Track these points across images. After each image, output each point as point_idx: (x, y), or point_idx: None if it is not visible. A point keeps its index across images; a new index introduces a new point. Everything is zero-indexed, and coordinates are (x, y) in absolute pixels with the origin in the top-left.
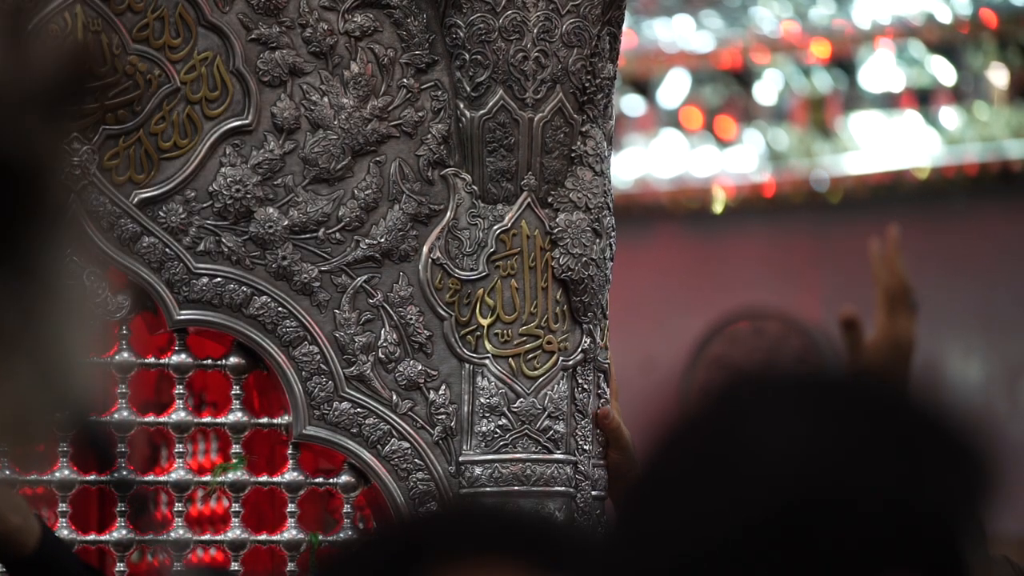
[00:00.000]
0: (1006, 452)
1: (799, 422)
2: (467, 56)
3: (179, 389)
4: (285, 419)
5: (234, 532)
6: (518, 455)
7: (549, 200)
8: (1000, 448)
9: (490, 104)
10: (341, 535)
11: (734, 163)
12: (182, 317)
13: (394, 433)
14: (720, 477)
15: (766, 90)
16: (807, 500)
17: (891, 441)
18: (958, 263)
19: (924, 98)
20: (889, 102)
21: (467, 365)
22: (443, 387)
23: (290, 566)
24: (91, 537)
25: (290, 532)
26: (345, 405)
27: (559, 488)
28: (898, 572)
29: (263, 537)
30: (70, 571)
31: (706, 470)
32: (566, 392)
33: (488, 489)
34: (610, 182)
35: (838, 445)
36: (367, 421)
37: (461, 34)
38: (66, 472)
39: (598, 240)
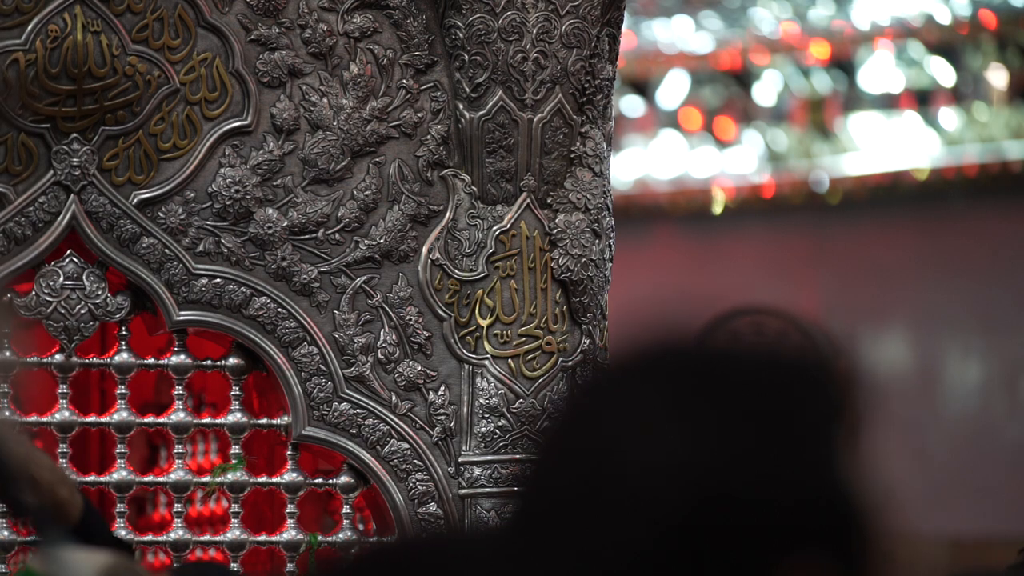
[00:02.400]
0: (873, 396)
1: (672, 424)
2: (466, 57)
3: (178, 390)
4: (284, 420)
5: (233, 533)
6: (518, 456)
7: (548, 201)
8: (869, 394)
9: (489, 105)
10: (340, 536)
11: (733, 164)
12: (181, 318)
13: (393, 434)
14: (605, 500)
15: (765, 91)
16: (697, 505)
17: (765, 421)
18: (957, 263)
19: (923, 99)
20: (888, 103)
21: (466, 366)
22: (442, 388)
23: (289, 567)
24: None
25: (289, 533)
26: (344, 406)
27: None
28: (803, 554)
29: (262, 538)
30: (106, 542)
31: (589, 494)
32: (566, 393)
33: (487, 489)
34: (609, 183)
35: (715, 442)
36: (366, 422)
37: (460, 35)
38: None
39: (597, 241)
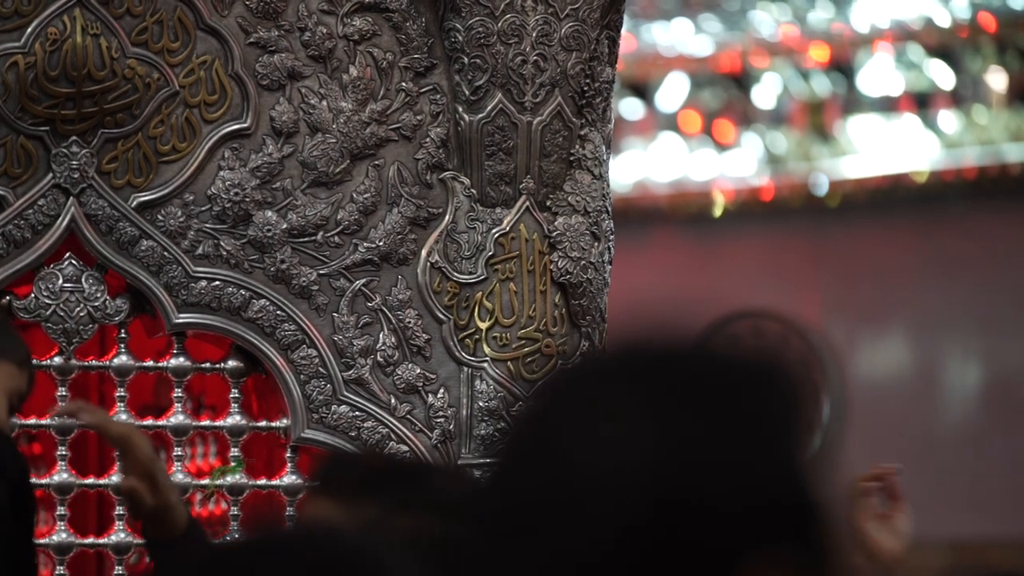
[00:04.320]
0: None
1: (633, 426)
2: (466, 60)
3: (178, 392)
4: (283, 422)
5: (233, 535)
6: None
7: (548, 204)
8: (821, 391)
9: (489, 108)
10: None
11: (733, 167)
12: (181, 320)
13: (393, 436)
14: (565, 503)
15: (765, 94)
16: (659, 507)
17: (723, 422)
18: (956, 266)
19: (923, 102)
20: (888, 106)
21: (466, 368)
22: (442, 391)
23: None
24: (89, 540)
25: None
26: (343, 408)
27: None
28: (765, 553)
29: None
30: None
31: (550, 497)
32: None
33: None
34: (609, 186)
35: (675, 443)
36: (365, 424)
37: (460, 38)
38: (64, 476)
39: (596, 244)
